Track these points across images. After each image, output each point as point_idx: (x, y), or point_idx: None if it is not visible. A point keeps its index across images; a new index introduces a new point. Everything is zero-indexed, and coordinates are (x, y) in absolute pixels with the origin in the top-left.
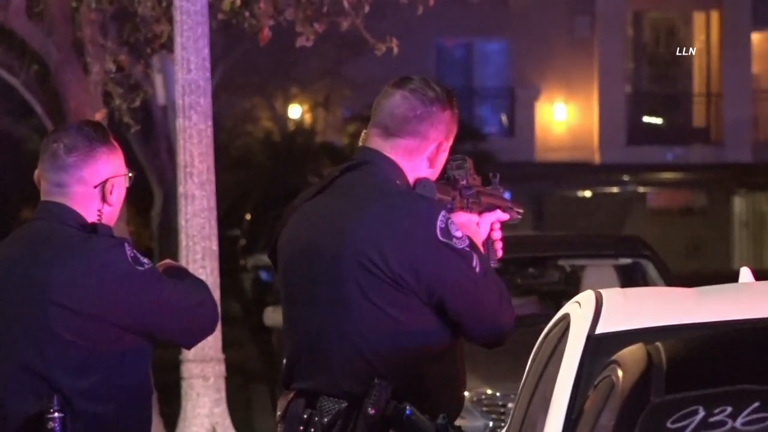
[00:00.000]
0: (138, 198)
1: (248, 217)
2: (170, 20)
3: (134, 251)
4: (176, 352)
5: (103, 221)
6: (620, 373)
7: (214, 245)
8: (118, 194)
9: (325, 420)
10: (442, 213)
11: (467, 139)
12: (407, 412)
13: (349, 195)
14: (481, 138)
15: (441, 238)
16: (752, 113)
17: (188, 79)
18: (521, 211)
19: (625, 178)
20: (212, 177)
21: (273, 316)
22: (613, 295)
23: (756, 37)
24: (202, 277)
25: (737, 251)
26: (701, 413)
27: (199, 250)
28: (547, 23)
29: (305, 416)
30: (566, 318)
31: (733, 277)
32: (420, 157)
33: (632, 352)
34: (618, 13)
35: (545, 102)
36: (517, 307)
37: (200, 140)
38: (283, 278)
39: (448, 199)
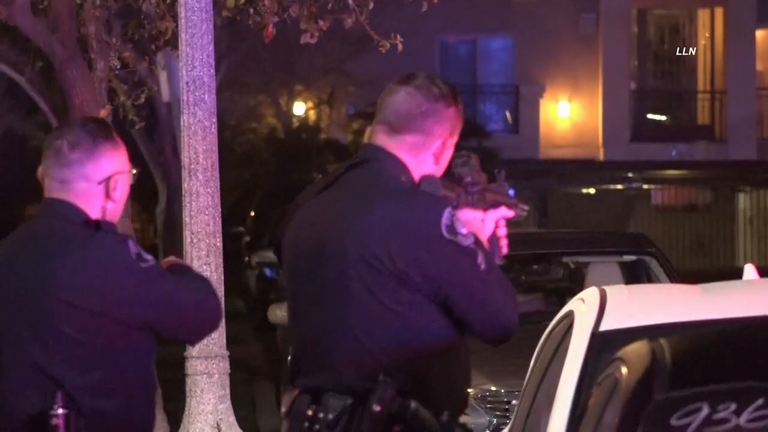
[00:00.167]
0: (142, 195)
1: (252, 213)
2: (175, 17)
3: (138, 248)
4: (180, 348)
5: (107, 218)
6: (624, 370)
7: (219, 242)
8: (121, 191)
9: (330, 416)
10: (448, 210)
11: (471, 136)
12: (412, 408)
13: (354, 192)
14: (485, 135)
15: (446, 235)
16: (756, 110)
17: (192, 75)
18: (526, 208)
19: (630, 175)
20: (216, 174)
21: (277, 312)
22: (617, 292)
23: (760, 34)
24: (207, 274)
25: (741, 248)
26: (705, 410)
27: (203, 247)
28: (552, 20)
29: (310, 413)
30: (570, 315)
31: (738, 274)
32: (425, 153)
33: (636, 349)
34: (622, 10)
35: (549, 99)
36: (522, 304)
37: (204, 137)
38: (289, 275)
39: (453, 195)
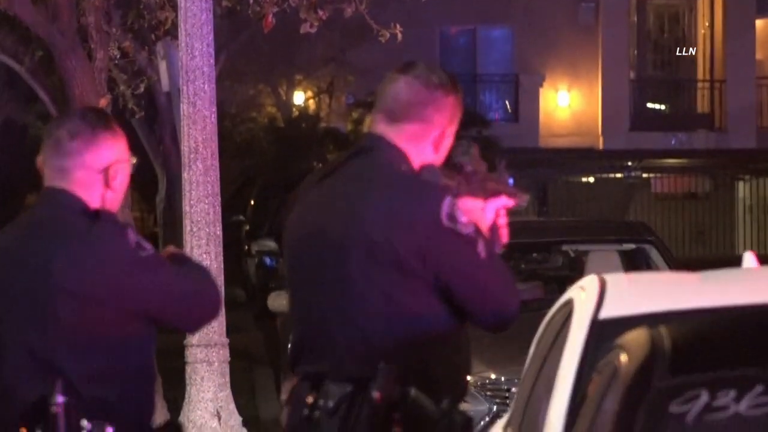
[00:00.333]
0: (142, 184)
1: (252, 202)
2: (174, 7)
3: (137, 236)
4: (181, 336)
5: (107, 207)
6: (624, 357)
7: (218, 231)
8: (121, 180)
9: (331, 404)
10: (448, 198)
11: (471, 125)
12: (412, 395)
13: (354, 180)
14: (485, 124)
15: (446, 223)
16: (756, 99)
17: (192, 65)
18: (526, 197)
19: (629, 163)
20: (216, 163)
21: (277, 300)
22: (616, 280)
23: (760, 23)
24: (206, 263)
25: (741, 236)
26: (705, 397)
27: (203, 236)
28: (551, 10)
29: (310, 400)
30: (570, 303)
31: (737, 262)
32: (425, 142)
33: (636, 337)
34: None
35: (549, 88)
36: (522, 292)
37: (204, 126)
38: (289, 263)
39: (453, 184)
